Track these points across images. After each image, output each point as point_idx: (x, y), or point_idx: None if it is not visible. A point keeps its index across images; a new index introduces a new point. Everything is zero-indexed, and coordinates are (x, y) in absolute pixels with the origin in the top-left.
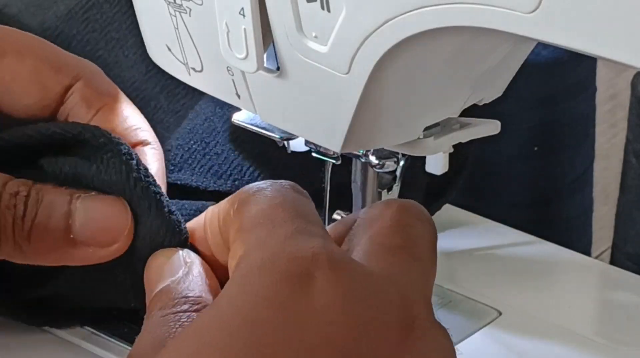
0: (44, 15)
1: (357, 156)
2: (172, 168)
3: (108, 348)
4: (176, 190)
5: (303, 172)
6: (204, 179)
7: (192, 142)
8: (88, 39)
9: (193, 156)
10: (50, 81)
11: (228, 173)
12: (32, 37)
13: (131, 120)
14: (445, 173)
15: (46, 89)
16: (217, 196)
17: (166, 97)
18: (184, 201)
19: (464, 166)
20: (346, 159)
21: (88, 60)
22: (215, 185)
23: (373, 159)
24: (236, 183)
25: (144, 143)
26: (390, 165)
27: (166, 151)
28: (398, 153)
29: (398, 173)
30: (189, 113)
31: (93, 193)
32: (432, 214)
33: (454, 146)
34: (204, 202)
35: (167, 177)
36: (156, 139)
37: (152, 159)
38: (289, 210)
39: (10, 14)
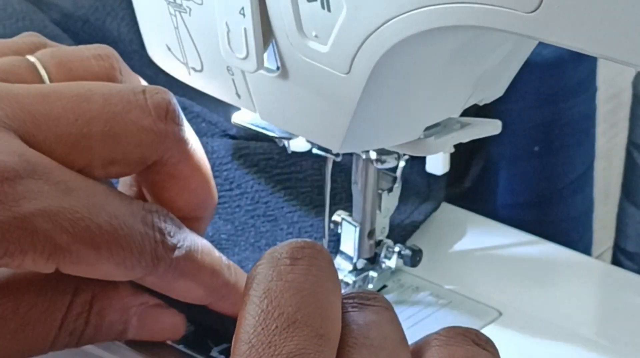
0: None
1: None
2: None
3: (109, 349)
4: None
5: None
6: None
7: None
8: (123, 15)
9: None
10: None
11: None
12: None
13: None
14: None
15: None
16: None
17: None
18: None
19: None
20: (346, 158)
21: None
22: None
23: (373, 155)
24: None
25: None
26: (390, 161)
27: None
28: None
29: (398, 173)
30: None
31: (151, 303)
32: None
33: (455, 146)
34: None
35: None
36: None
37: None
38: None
39: None
